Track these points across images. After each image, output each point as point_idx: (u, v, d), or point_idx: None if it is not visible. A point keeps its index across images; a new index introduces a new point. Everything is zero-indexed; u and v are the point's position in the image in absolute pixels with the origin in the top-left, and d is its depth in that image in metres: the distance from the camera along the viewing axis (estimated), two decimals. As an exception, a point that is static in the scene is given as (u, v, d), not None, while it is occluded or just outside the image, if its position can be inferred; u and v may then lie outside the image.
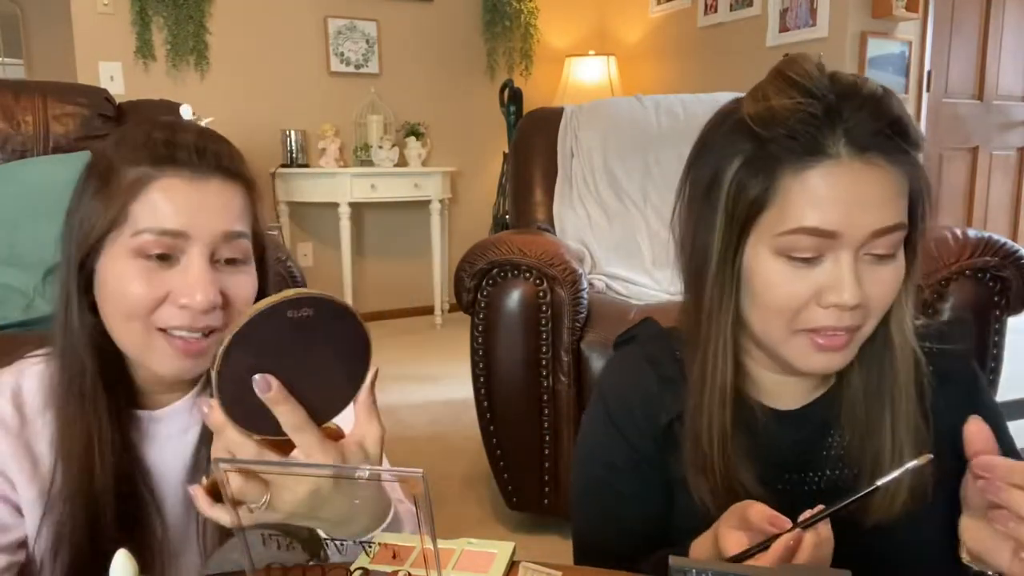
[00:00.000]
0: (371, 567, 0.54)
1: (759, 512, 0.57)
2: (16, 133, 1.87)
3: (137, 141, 0.70)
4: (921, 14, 3.25)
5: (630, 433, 0.75)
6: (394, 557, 0.57)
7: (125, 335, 0.70)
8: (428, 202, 3.93)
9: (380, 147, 3.82)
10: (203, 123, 0.77)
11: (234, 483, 0.55)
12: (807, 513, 0.55)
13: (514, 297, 1.67)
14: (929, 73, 3.40)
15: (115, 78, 3.41)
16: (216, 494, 0.56)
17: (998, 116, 3.74)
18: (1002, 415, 0.73)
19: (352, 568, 0.54)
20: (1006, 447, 0.71)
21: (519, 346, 1.68)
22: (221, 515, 0.56)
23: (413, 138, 3.91)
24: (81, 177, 0.73)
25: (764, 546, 0.55)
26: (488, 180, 4.28)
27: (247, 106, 3.64)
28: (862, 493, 0.56)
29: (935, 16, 3.36)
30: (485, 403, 1.75)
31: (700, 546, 0.65)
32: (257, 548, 0.55)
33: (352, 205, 3.70)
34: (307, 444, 0.54)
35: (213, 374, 0.53)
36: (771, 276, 0.63)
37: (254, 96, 3.68)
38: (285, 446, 0.55)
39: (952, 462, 0.64)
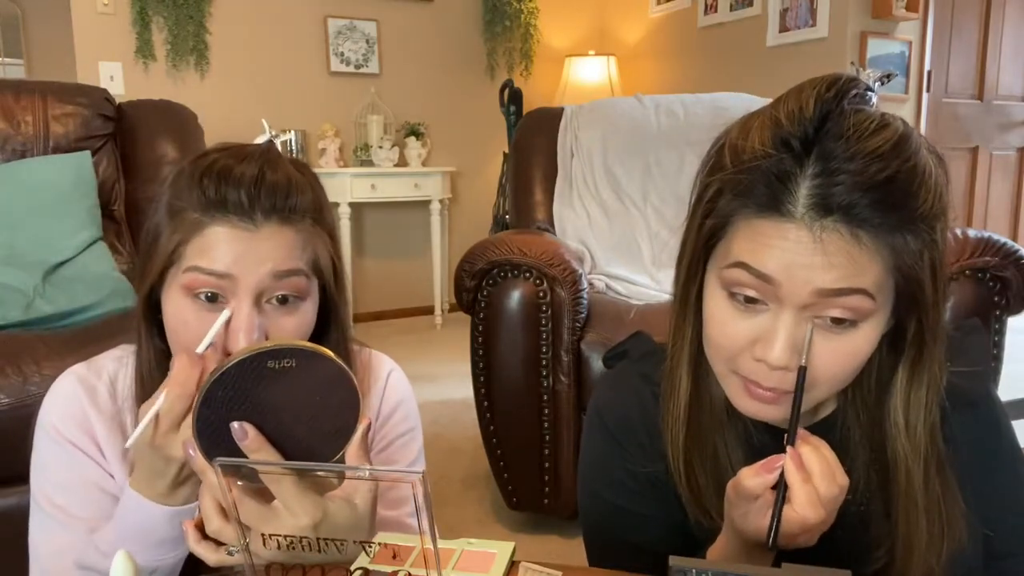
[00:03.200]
0: (371, 567, 0.54)
1: (750, 475, 0.57)
2: (16, 133, 1.87)
3: (193, 180, 0.68)
4: (921, 14, 3.25)
5: (636, 452, 0.73)
6: (394, 557, 0.57)
7: None
8: (428, 202, 3.93)
9: (380, 147, 3.82)
10: (278, 141, 0.75)
11: (213, 524, 0.56)
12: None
13: (514, 297, 1.67)
14: (929, 73, 3.40)
15: (115, 78, 3.40)
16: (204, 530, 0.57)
17: (998, 116, 3.74)
18: (1019, 449, 0.71)
19: (352, 568, 0.54)
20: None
21: (519, 346, 1.68)
22: (206, 552, 0.57)
23: (413, 138, 3.91)
24: (166, 184, 0.72)
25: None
26: (488, 180, 4.28)
27: (247, 106, 3.64)
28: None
29: (935, 16, 3.36)
30: (485, 403, 1.75)
31: (715, 552, 0.64)
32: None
33: (352, 205, 3.70)
34: (286, 495, 0.54)
35: (191, 419, 0.53)
36: (715, 310, 0.61)
37: (254, 96, 3.68)
38: (269, 493, 0.55)
39: (971, 497, 0.63)
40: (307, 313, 0.72)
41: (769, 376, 0.58)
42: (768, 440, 0.67)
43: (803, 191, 0.55)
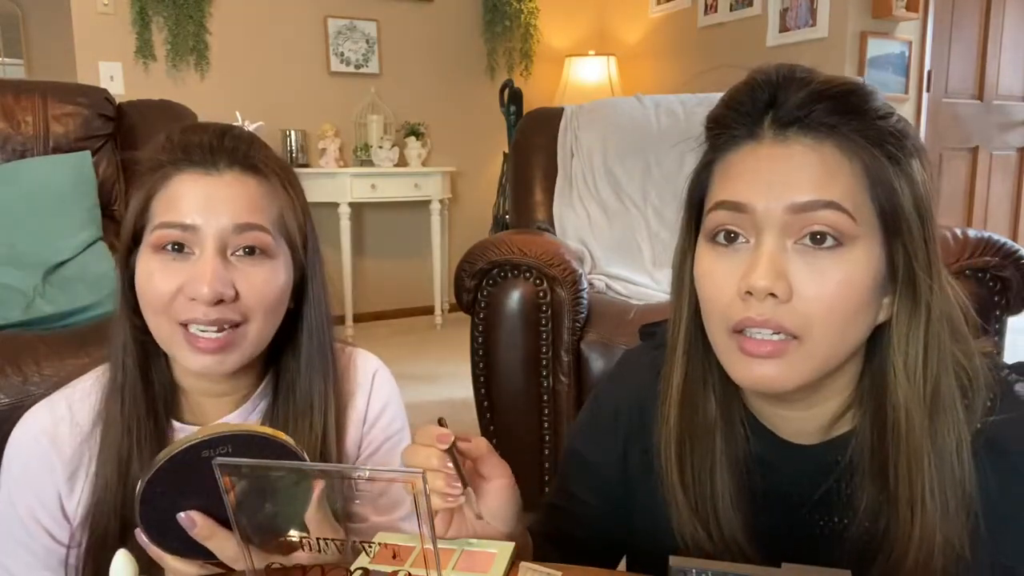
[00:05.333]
0: (371, 567, 0.54)
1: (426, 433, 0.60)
2: (16, 133, 1.87)
3: (160, 143, 0.72)
4: (921, 14, 3.25)
5: (606, 445, 0.74)
6: (394, 557, 0.57)
7: (156, 330, 0.71)
8: (428, 202, 3.93)
9: (380, 147, 3.82)
10: (252, 127, 0.79)
11: None
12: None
13: (514, 297, 1.67)
14: (929, 73, 3.40)
15: (115, 78, 3.40)
16: None
17: (998, 116, 3.74)
18: None
19: (352, 568, 0.54)
20: None
21: (519, 346, 1.68)
22: None
23: (413, 138, 3.91)
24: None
25: None
26: (488, 180, 4.28)
27: (247, 106, 3.64)
28: None
29: (935, 16, 3.35)
30: (485, 403, 1.75)
31: None
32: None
33: (352, 205, 3.70)
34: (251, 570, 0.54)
35: (137, 516, 0.54)
36: (703, 265, 0.61)
37: (254, 96, 3.68)
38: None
39: (1003, 561, 0.57)
40: (277, 271, 0.72)
41: (761, 308, 0.56)
42: (776, 457, 0.65)
43: (768, 117, 0.59)
